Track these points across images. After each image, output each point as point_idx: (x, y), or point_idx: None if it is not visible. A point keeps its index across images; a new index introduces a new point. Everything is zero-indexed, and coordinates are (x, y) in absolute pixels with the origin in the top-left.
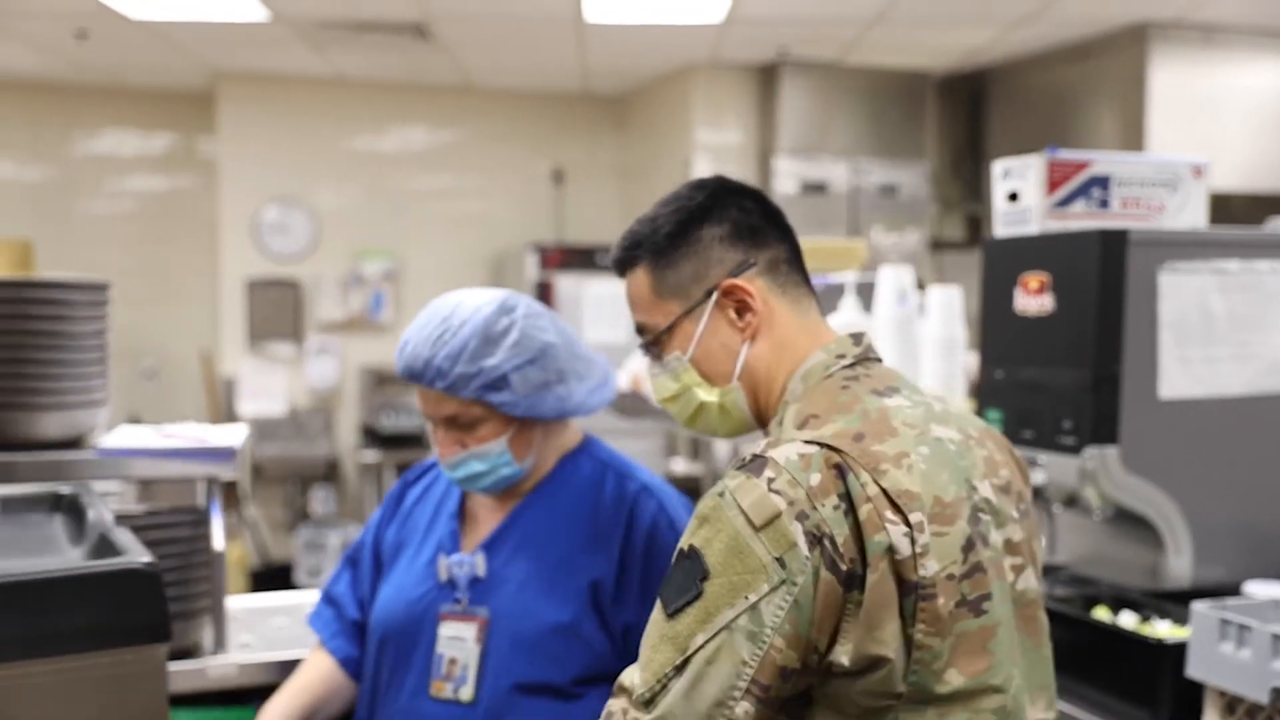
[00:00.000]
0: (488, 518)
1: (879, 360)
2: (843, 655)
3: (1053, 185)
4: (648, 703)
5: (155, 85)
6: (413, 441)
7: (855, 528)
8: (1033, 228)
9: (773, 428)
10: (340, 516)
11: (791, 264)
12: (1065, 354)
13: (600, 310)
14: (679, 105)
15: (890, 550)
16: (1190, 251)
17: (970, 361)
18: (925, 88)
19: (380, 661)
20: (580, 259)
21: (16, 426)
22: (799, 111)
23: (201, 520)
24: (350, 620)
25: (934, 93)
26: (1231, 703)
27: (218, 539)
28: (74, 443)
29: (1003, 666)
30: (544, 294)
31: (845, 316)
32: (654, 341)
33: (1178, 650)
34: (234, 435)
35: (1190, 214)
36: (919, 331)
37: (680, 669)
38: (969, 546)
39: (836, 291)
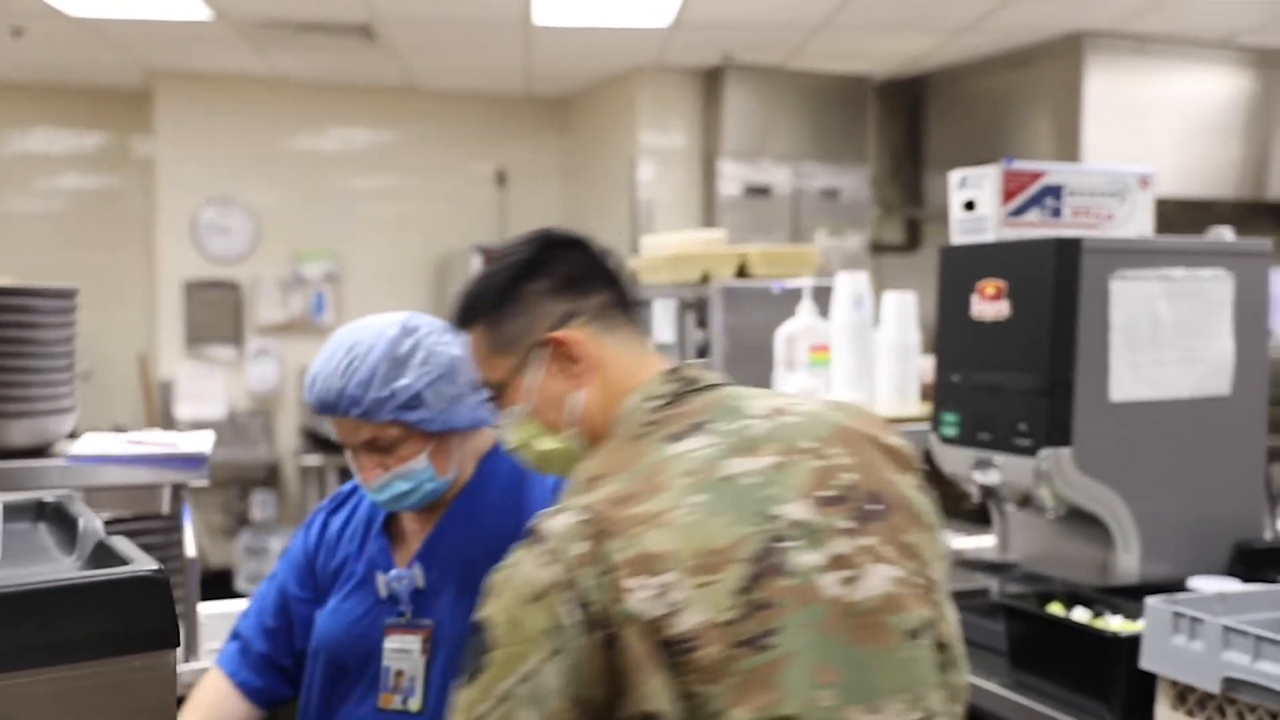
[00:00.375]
0: (415, 530)
1: (708, 387)
2: (620, 712)
3: (1008, 195)
4: None
5: (88, 83)
6: None
7: (604, 597)
8: (989, 236)
9: (569, 483)
10: (280, 521)
11: (618, 306)
12: (1021, 359)
13: None
14: (624, 108)
15: (635, 617)
16: (1139, 259)
17: (924, 365)
18: (866, 93)
19: (325, 683)
20: None
21: None
22: (743, 115)
23: (174, 527)
24: (257, 653)
25: (874, 98)
26: (1183, 693)
27: (189, 546)
28: (41, 450)
29: (796, 694)
30: None
31: (802, 321)
32: (495, 396)
33: (1131, 643)
34: (202, 441)
35: (1137, 223)
36: (874, 336)
37: None
38: (750, 586)
39: (794, 296)
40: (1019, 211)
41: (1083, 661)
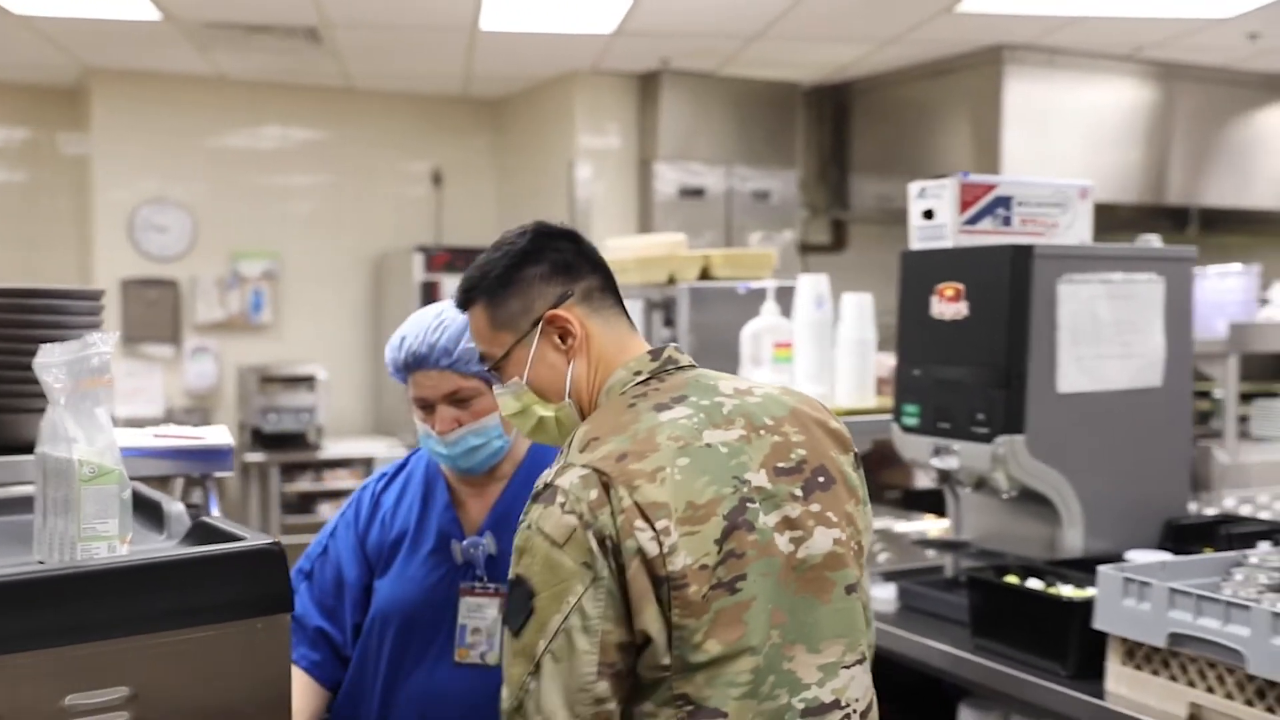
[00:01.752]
0: (476, 505)
1: (682, 367)
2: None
3: (964, 205)
4: (517, 709)
5: (15, 80)
6: (296, 441)
7: (617, 533)
8: (947, 242)
9: (565, 445)
10: (221, 517)
11: (604, 291)
12: (979, 355)
13: None
14: (561, 110)
15: (640, 551)
16: (1083, 264)
17: (882, 360)
18: (794, 99)
19: (395, 647)
20: (466, 261)
21: (19, 429)
22: (677, 119)
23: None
24: (313, 628)
25: (802, 104)
26: (1131, 649)
27: None
28: None
29: (756, 632)
30: (430, 295)
31: (766, 320)
32: (495, 368)
33: (1085, 607)
34: (224, 435)
35: (1078, 230)
36: (834, 334)
37: (535, 674)
38: (725, 537)
39: (758, 296)
40: (974, 220)
41: (1040, 625)
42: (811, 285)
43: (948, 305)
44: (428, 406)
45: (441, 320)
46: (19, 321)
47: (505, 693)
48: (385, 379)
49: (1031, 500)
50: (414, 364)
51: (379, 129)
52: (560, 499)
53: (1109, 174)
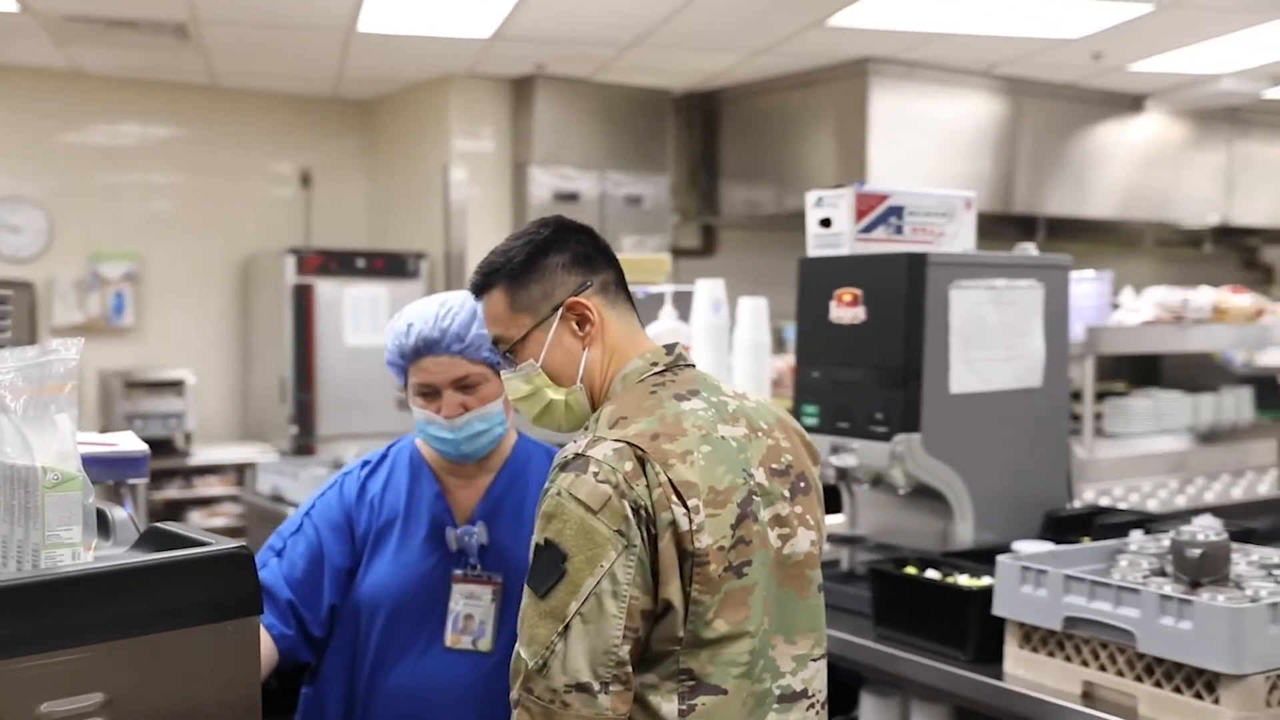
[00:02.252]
0: (464, 495)
1: (689, 365)
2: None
3: (860, 214)
4: (541, 669)
5: None
6: (163, 448)
7: (652, 505)
8: (844, 250)
9: (590, 424)
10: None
11: (618, 286)
12: (876, 357)
13: (360, 314)
14: (436, 113)
15: (673, 524)
16: (971, 271)
17: (775, 362)
18: (665, 105)
19: (384, 633)
20: (339, 263)
21: None
22: (552, 124)
23: None
24: (284, 600)
25: (672, 110)
26: (1029, 633)
27: None
28: None
29: (755, 617)
30: (303, 298)
31: (665, 324)
32: (509, 350)
33: (984, 595)
34: (135, 441)
35: (963, 239)
36: (730, 337)
37: (563, 634)
38: (738, 524)
39: (657, 301)
40: (868, 229)
41: (940, 614)
42: (709, 290)
43: (846, 310)
44: (431, 393)
45: (449, 308)
46: None
47: (526, 652)
48: (255, 383)
49: (924, 495)
50: (424, 349)
51: (245, 128)
52: (594, 468)
53: (962, 183)
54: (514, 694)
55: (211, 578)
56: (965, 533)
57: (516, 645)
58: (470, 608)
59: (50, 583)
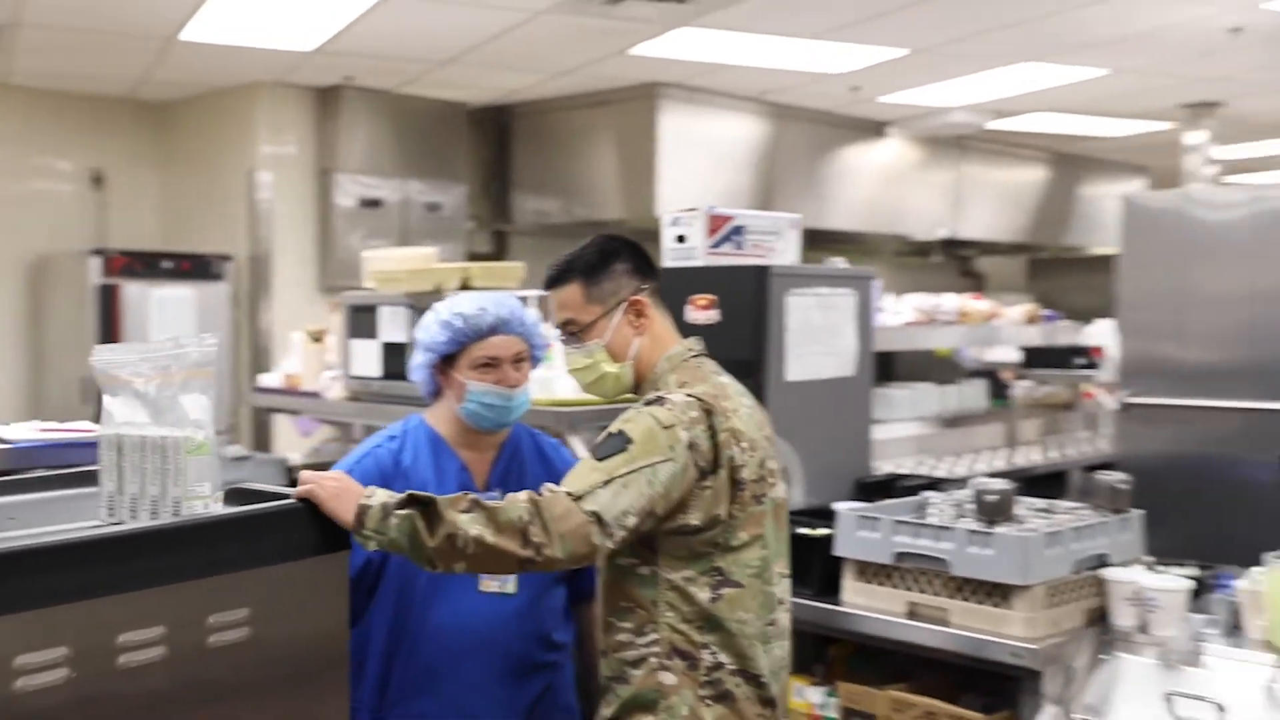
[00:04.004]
0: (478, 467)
1: (706, 355)
2: (694, 518)
3: (711, 232)
4: (579, 498)
5: None
6: None
7: (714, 446)
8: (699, 262)
9: (650, 388)
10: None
11: (659, 293)
12: (728, 351)
13: (166, 316)
14: (241, 118)
15: (731, 459)
16: (802, 281)
17: None
18: (460, 118)
19: (430, 579)
20: (145, 264)
21: None
22: (356, 133)
23: None
24: None
25: (466, 123)
26: (863, 568)
27: None
28: None
29: (768, 534)
30: (108, 299)
31: None
32: (578, 331)
33: (825, 541)
34: None
35: (790, 253)
36: None
37: (606, 485)
38: (760, 465)
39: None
40: (717, 244)
41: (792, 558)
42: None
43: (701, 312)
44: (493, 365)
45: (498, 298)
46: None
47: (569, 481)
48: (51, 386)
49: None
50: (500, 327)
51: (32, 127)
52: (669, 405)
53: (731, 195)
54: (546, 492)
55: (313, 520)
56: (797, 496)
57: (559, 484)
58: None
59: (206, 524)
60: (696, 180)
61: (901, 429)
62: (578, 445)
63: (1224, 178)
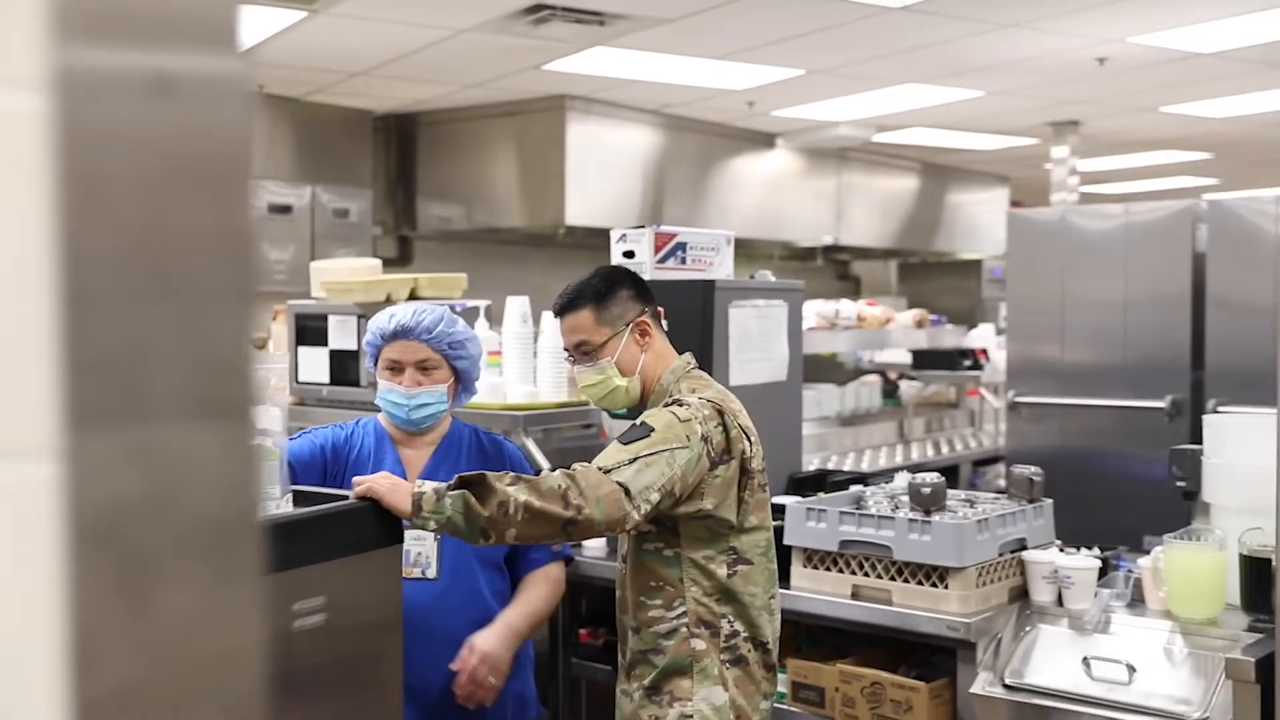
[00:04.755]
0: (414, 460)
1: (699, 367)
2: (708, 504)
3: (658, 248)
4: (608, 471)
5: None
6: None
7: (726, 440)
8: (646, 276)
9: (660, 396)
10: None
11: (658, 315)
12: None
13: None
14: None
15: (743, 452)
16: (743, 294)
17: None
18: (366, 125)
19: None
20: None
21: None
22: (264, 140)
23: None
24: None
25: (372, 130)
26: (811, 555)
27: None
28: None
29: (769, 519)
30: None
31: (479, 333)
32: (590, 351)
33: (776, 531)
34: None
35: (726, 267)
36: (536, 345)
37: (632, 462)
38: (760, 460)
39: (473, 314)
40: (663, 259)
41: None
42: (518, 305)
43: None
44: (397, 369)
45: (424, 310)
46: None
47: (599, 459)
48: None
49: None
50: (401, 334)
51: None
52: (686, 405)
53: (631, 203)
54: (576, 467)
55: (375, 517)
56: None
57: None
58: (418, 546)
59: (288, 522)
60: (601, 189)
61: (806, 428)
62: (531, 446)
63: (1082, 187)
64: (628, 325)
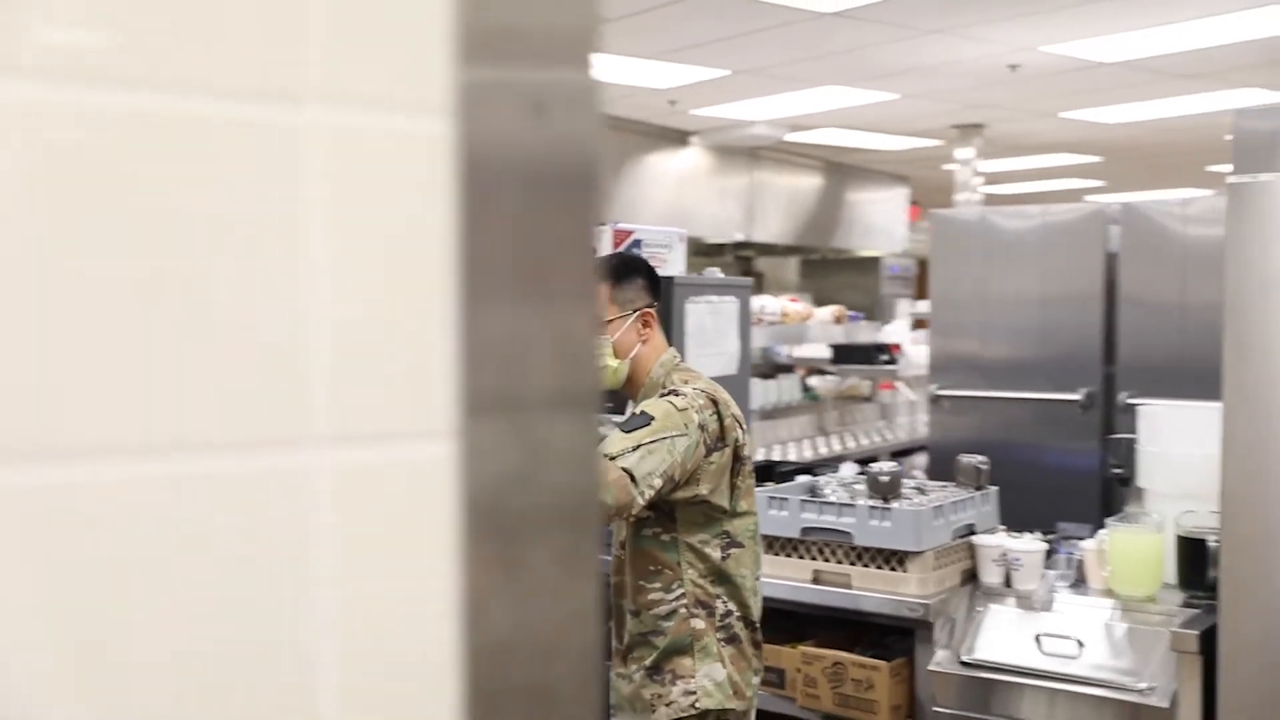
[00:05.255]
0: None
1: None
2: (704, 489)
3: (616, 245)
4: (613, 458)
5: None
6: None
7: (720, 428)
8: None
9: (651, 387)
10: None
11: (659, 311)
12: None
13: None
14: None
15: (736, 440)
16: (698, 290)
17: None
18: None
19: None
20: None
21: None
22: None
23: None
24: None
25: None
26: (772, 541)
27: None
28: None
29: (756, 505)
30: None
31: None
32: None
33: None
34: None
35: (678, 264)
36: None
37: (635, 449)
38: (749, 447)
39: None
40: None
41: None
42: None
43: None
44: None
45: None
46: None
47: (603, 446)
48: None
49: None
50: None
51: None
52: (681, 395)
53: None
54: None
55: None
56: None
57: None
58: None
59: None
60: None
61: None
62: None
63: (983, 186)
64: (635, 311)
